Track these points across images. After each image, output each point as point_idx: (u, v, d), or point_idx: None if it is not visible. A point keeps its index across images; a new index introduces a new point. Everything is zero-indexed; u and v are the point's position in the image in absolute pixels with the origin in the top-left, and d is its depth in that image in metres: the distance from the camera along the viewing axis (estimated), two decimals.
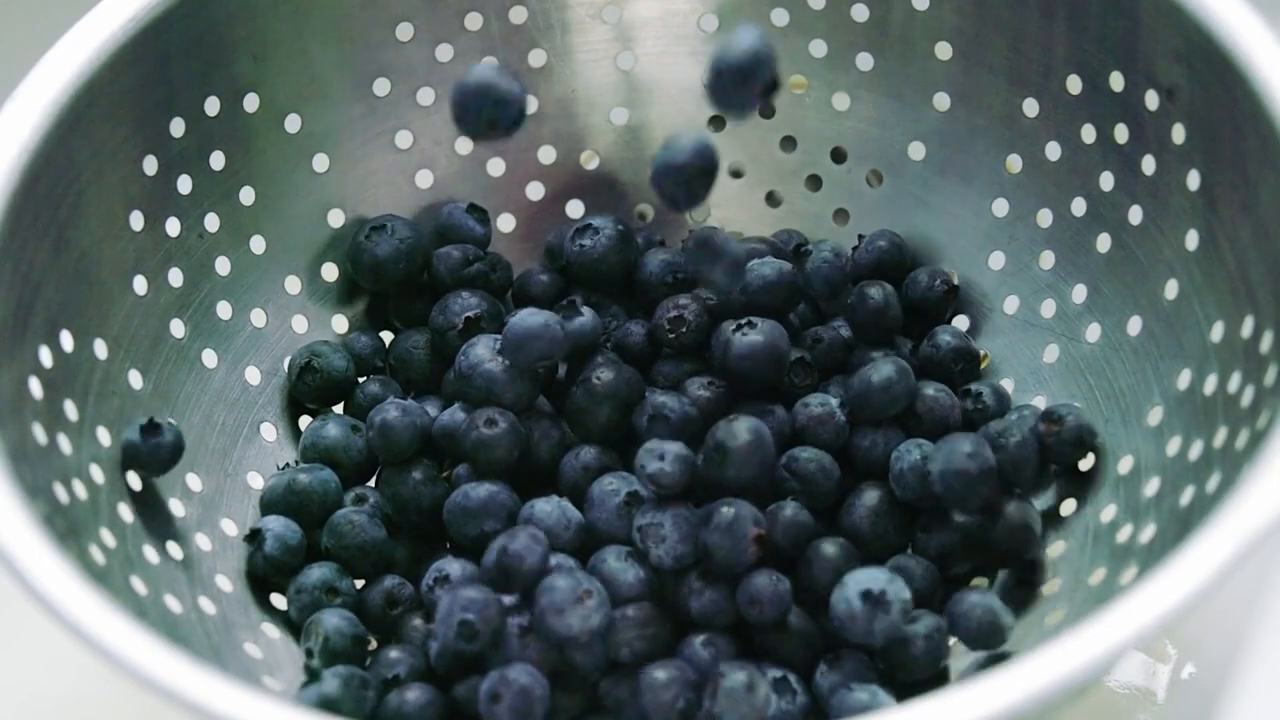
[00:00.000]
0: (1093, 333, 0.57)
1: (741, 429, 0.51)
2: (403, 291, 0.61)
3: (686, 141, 0.48)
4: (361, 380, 0.60)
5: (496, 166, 0.64)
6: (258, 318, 0.59)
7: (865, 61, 0.61)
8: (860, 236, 0.61)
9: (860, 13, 0.60)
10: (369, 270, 0.60)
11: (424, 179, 0.63)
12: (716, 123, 0.64)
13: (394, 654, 0.51)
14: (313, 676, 0.51)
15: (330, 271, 0.61)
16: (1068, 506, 0.55)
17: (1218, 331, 0.50)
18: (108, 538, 0.49)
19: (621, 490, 0.53)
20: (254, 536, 0.54)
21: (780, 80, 0.47)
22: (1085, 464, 0.55)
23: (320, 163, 0.60)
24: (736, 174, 0.64)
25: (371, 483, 0.58)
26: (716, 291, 0.57)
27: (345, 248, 0.61)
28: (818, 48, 0.61)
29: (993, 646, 0.50)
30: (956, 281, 0.60)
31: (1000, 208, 0.60)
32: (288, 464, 0.57)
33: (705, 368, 0.58)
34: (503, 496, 0.54)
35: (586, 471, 0.55)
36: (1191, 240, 0.52)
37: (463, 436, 0.54)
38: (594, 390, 0.56)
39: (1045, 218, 0.58)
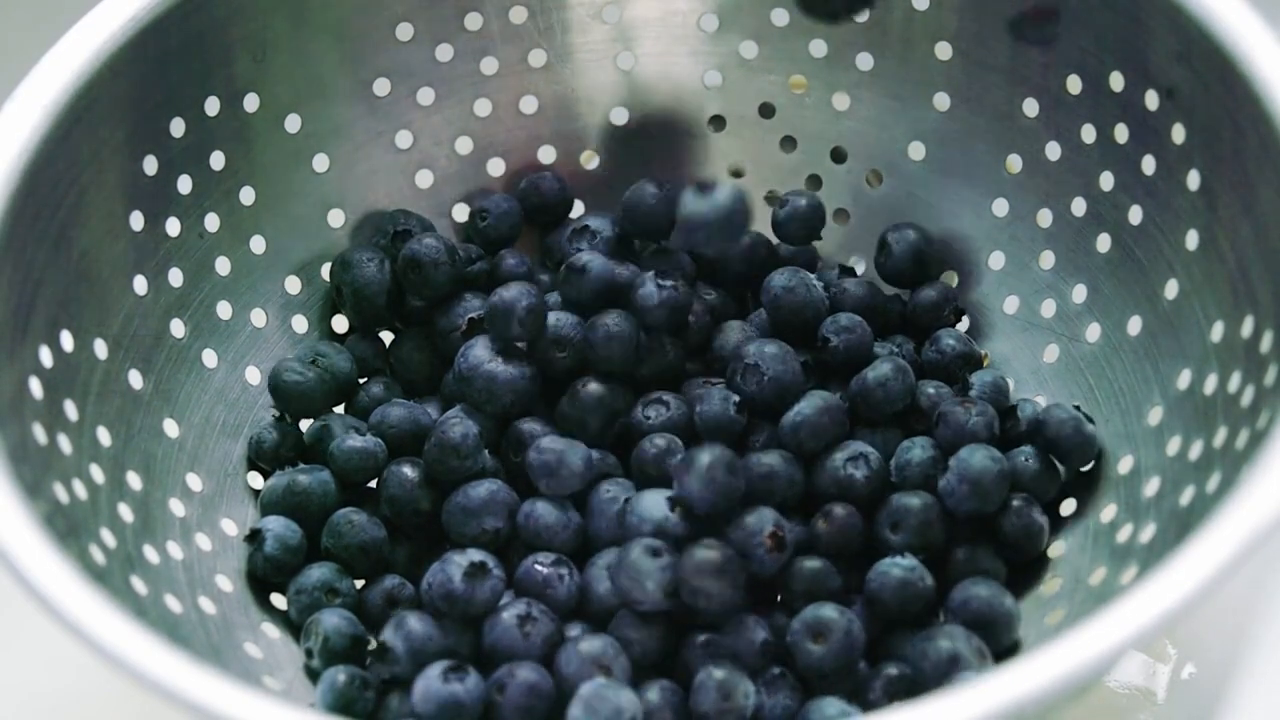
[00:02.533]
0: (1093, 333, 0.57)
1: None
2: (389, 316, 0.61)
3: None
4: (363, 381, 0.60)
5: (496, 166, 0.64)
6: (258, 318, 0.59)
7: (865, 61, 0.61)
8: (883, 237, 0.61)
9: (860, 13, 0.60)
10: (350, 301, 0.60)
11: (424, 179, 0.63)
12: (716, 122, 0.64)
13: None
14: (313, 677, 0.51)
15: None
16: (1068, 506, 0.55)
17: (1218, 331, 0.50)
18: (108, 538, 0.49)
19: (620, 498, 0.53)
20: (254, 536, 0.54)
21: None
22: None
23: (320, 163, 0.60)
24: (736, 174, 0.64)
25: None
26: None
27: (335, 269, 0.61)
28: (818, 48, 0.61)
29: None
30: (960, 304, 0.60)
31: (1000, 208, 0.60)
32: (288, 464, 0.57)
33: (706, 369, 0.58)
34: (502, 495, 0.54)
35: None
36: (1191, 240, 0.52)
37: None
38: (580, 400, 0.56)
39: (1045, 218, 0.58)
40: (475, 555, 0.52)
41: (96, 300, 0.53)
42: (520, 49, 0.62)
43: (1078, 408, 0.55)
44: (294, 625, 0.54)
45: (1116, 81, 0.54)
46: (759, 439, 0.55)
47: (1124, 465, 0.53)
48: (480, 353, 0.56)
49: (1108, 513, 0.53)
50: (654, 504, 0.51)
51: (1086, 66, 0.55)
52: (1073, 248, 0.57)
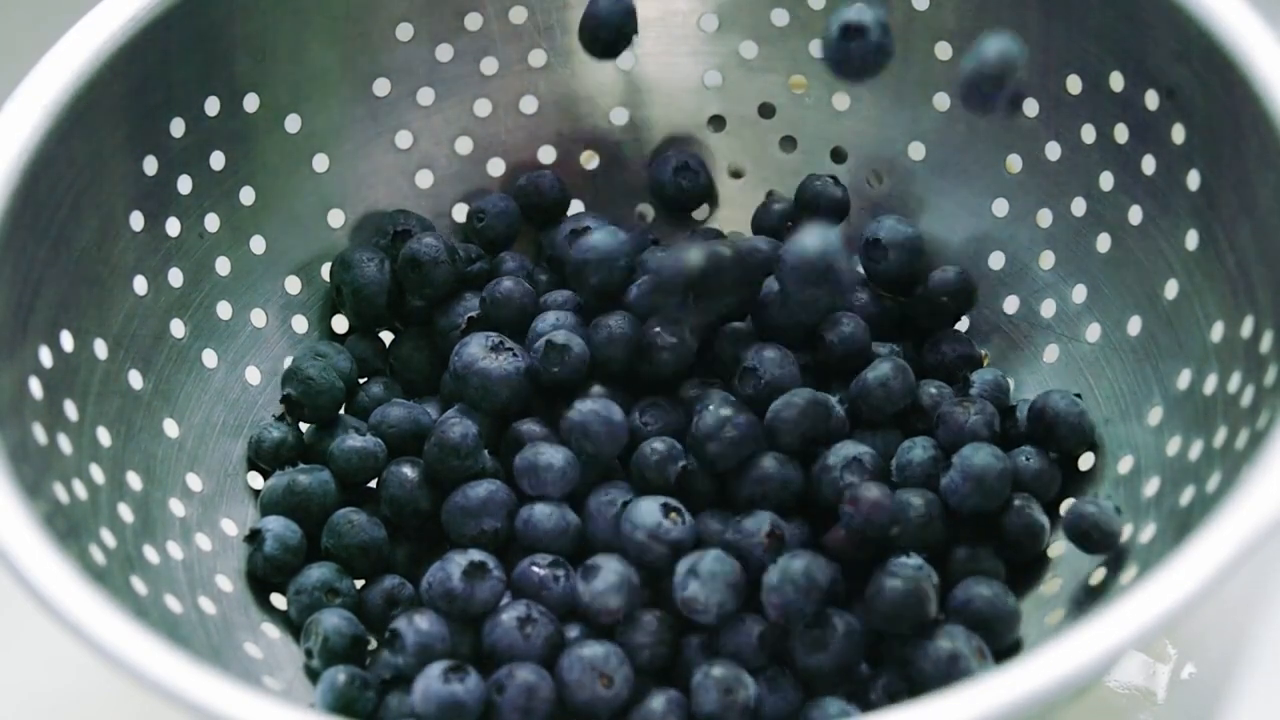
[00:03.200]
0: (1093, 333, 0.57)
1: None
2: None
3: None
4: (363, 381, 0.60)
5: (496, 166, 0.64)
6: (258, 318, 0.59)
7: None
8: (873, 241, 0.61)
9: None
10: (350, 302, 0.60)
11: (424, 179, 0.63)
12: (716, 122, 0.64)
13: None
14: (313, 677, 0.51)
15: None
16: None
17: (1218, 331, 0.50)
18: (108, 538, 0.49)
19: (618, 501, 0.53)
20: (254, 537, 0.54)
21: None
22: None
23: (320, 163, 0.60)
24: (736, 174, 0.64)
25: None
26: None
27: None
28: (818, 48, 0.61)
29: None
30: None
31: (1000, 208, 0.60)
32: (288, 464, 0.57)
33: (707, 370, 0.58)
34: (501, 495, 0.54)
35: (584, 482, 0.55)
36: (1191, 240, 0.52)
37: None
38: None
39: (1045, 218, 0.58)
40: (476, 555, 0.52)
41: (96, 300, 0.53)
42: (520, 49, 0.62)
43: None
44: (294, 625, 0.54)
45: (1116, 81, 0.54)
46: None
47: (1124, 465, 0.53)
48: (474, 350, 0.56)
49: None
50: (649, 511, 0.51)
51: (1086, 66, 0.55)
52: (1073, 248, 0.57)
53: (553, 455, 0.54)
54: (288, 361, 0.59)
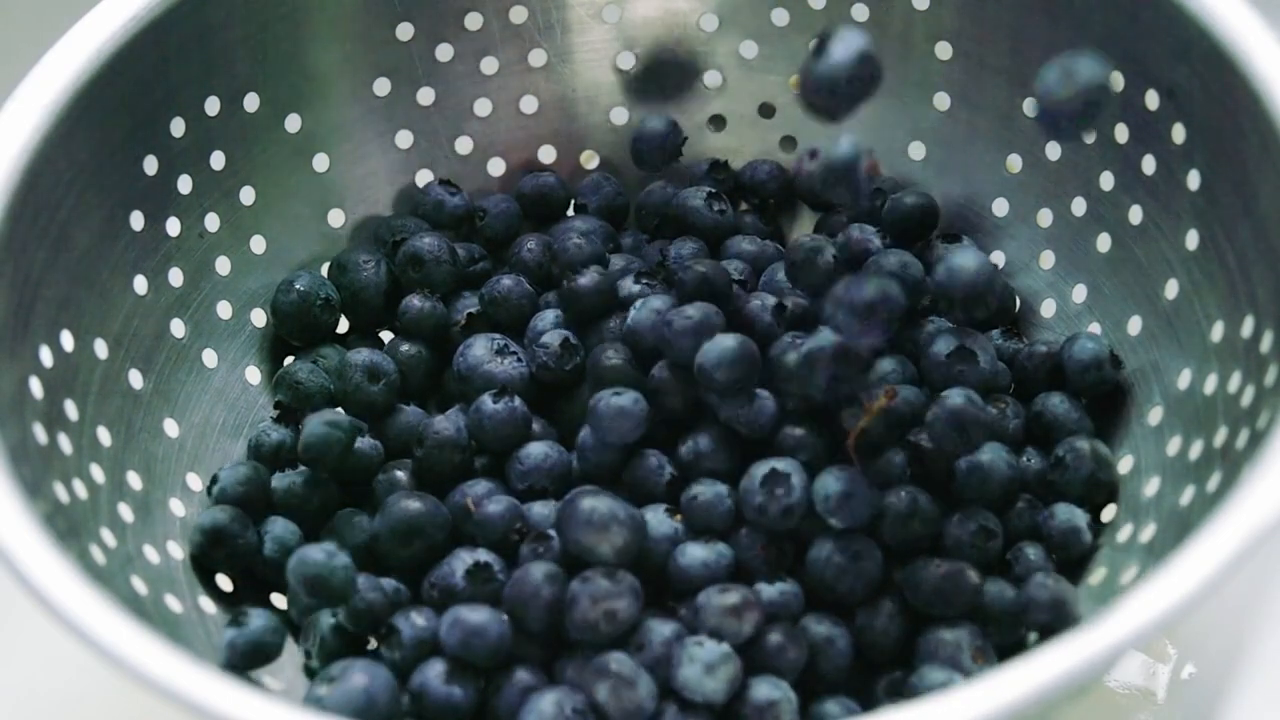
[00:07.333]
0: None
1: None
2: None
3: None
4: None
5: (497, 166, 0.64)
6: (258, 318, 0.59)
7: None
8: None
9: (860, 13, 0.60)
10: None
11: (424, 179, 0.63)
12: (716, 122, 0.64)
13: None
14: (312, 676, 0.51)
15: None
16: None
17: (1218, 331, 0.50)
18: (108, 538, 0.49)
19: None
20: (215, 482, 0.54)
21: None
22: None
23: (320, 163, 0.60)
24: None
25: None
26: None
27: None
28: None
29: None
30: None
31: (1000, 208, 0.60)
32: (288, 465, 0.57)
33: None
34: (498, 494, 0.54)
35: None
36: (1191, 240, 0.52)
37: None
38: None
39: (1045, 218, 0.58)
40: (482, 555, 0.52)
41: (96, 300, 0.53)
42: (520, 49, 0.62)
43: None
44: (294, 625, 0.54)
45: (1116, 81, 0.54)
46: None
47: (1124, 465, 0.53)
48: (479, 352, 0.56)
49: (1108, 513, 0.53)
50: (656, 521, 0.51)
51: None
52: (1073, 248, 0.57)
53: (539, 449, 0.54)
54: (288, 361, 0.59)
